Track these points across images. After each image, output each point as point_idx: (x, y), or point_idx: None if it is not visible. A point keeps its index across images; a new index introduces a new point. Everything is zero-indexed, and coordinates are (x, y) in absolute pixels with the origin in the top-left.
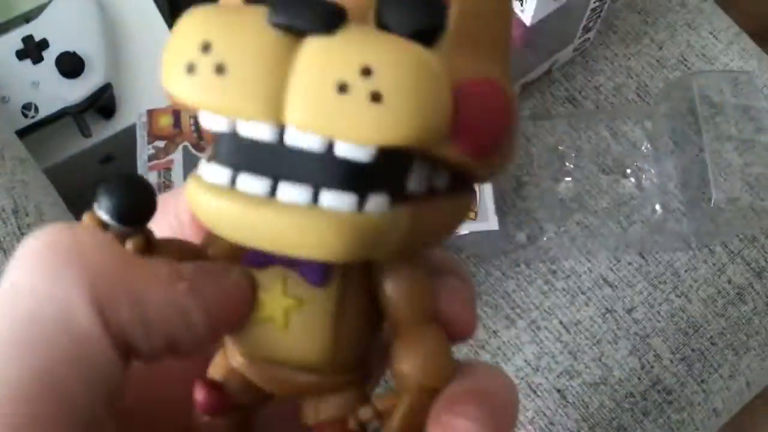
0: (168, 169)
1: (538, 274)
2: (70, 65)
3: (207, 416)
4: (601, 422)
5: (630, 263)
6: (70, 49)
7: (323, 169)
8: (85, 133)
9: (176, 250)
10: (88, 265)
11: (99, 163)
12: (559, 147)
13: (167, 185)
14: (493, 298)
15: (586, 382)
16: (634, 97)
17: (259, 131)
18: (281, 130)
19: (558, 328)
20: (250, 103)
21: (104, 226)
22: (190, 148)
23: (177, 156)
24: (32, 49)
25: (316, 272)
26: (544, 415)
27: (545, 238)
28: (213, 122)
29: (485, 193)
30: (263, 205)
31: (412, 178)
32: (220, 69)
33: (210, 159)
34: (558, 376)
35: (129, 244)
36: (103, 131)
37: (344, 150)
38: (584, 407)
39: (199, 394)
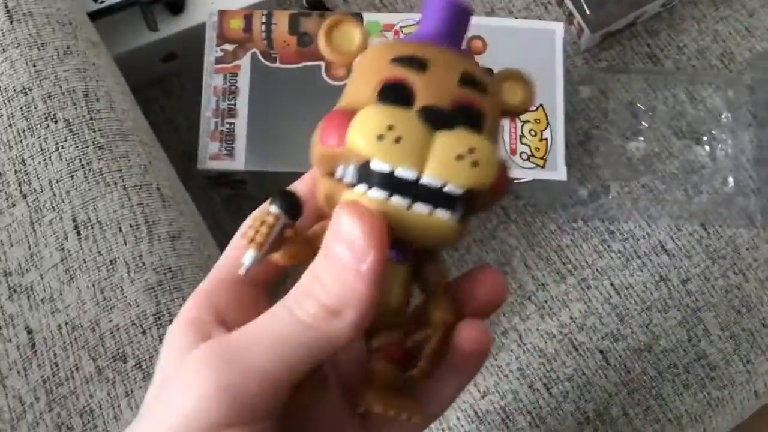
0: (234, 74)
1: (595, 232)
2: None
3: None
4: (640, 389)
5: (691, 233)
6: None
7: (438, 197)
8: (152, 26)
9: (304, 244)
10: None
11: (161, 61)
12: (634, 104)
13: (232, 90)
14: (546, 251)
15: (631, 347)
16: (717, 63)
17: (408, 174)
18: (419, 175)
19: (608, 290)
20: (412, 161)
21: (276, 217)
22: (259, 55)
23: (245, 62)
24: None
25: (399, 257)
26: (583, 373)
27: (609, 197)
28: (380, 166)
29: (557, 142)
30: (404, 211)
31: (458, 206)
32: (398, 140)
33: (369, 183)
34: (602, 338)
35: (289, 232)
36: (170, 27)
37: (450, 189)
38: (625, 372)
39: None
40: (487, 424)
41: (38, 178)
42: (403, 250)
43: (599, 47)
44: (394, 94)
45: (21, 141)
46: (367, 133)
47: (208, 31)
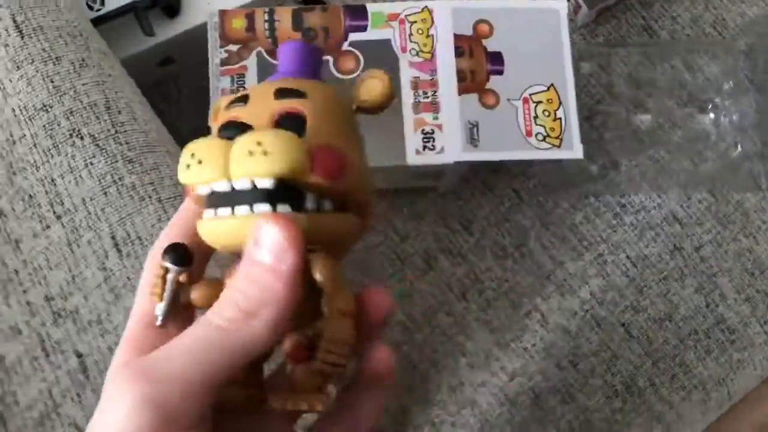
0: (241, 75)
1: (607, 207)
2: None
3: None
4: (664, 358)
5: (700, 201)
6: None
7: (253, 195)
8: (148, 31)
9: (213, 284)
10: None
11: (157, 65)
12: (634, 77)
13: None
14: (561, 229)
15: (651, 317)
16: (710, 30)
17: (222, 186)
18: (230, 183)
19: (625, 263)
20: (216, 174)
21: (166, 270)
22: (265, 54)
23: (251, 62)
24: None
25: None
26: (608, 348)
27: (618, 171)
28: (202, 190)
29: (571, 120)
30: (229, 218)
31: (308, 201)
32: (200, 162)
33: (206, 208)
34: (623, 311)
35: (183, 278)
36: (166, 31)
37: (261, 183)
38: (648, 342)
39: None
40: (518, 406)
41: (71, 197)
42: None
43: (595, 22)
44: (227, 131)
45: (48, 160)
46: (180, 168)
47: (210, 33)
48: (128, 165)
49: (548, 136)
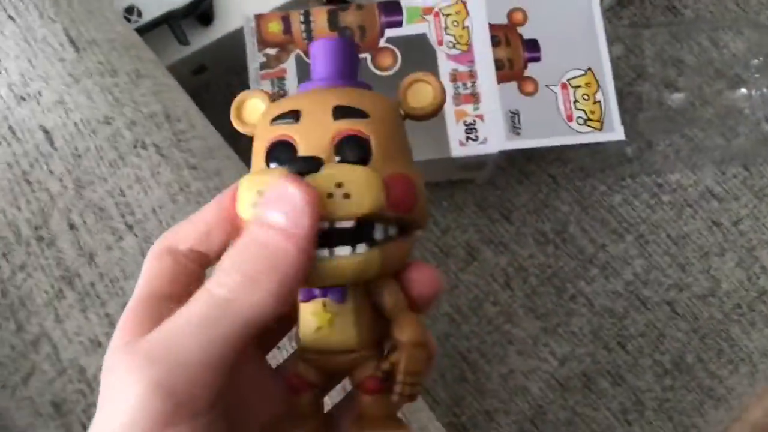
0: (282, 78)
1: (644, 188)
2: None
3: (295, 395)
4: (710, 333)
5: (735, 176)
6: None
7: (333, 236)
8: (182, 40)
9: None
10: None
11: (192, 74)
12: (661, 56)
13: (281, 95)
14: (600, 212)
15: (695, 294)
16: (732, 7)
17: None
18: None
19: (666, 242)
20: None
21: None
22: (303, 56)
23: (290, 65)
24: None
25: (338, 296)
26: (655, 327)
27: (653, 151)
28: None
29: (610, 102)
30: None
31: (376, 232)
32: None
33: None
34: (667, 289)
35: None
36: (200, 39)
37: (340, 224)
38: (694, 319)
39: (290, 381)
40: (570, 391)
41: (141, 207)
42: (337, 289)
43: (620, 5)
44: (278, 152)
45: (115, 172)
46: (243, 204)
47: (248, 38)
48: (193, 172)
49: (589, 119)
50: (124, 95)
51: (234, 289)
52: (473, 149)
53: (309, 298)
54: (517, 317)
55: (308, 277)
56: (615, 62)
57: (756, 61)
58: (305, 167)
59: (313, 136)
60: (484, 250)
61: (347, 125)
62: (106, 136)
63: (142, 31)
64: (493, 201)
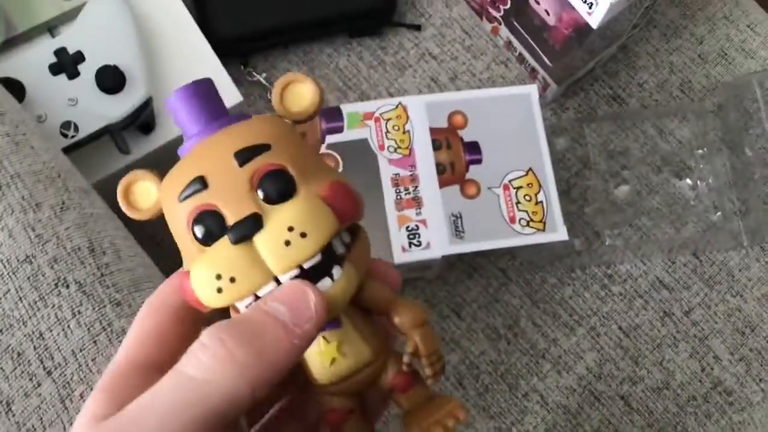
0: None
1: (594, 279)
2: (112, 80)
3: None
4: (665, 427)
5: (685, 264)
6: (109, 62)
7: (306, 278)
8: (124, 150)
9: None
10: None
11: None
12: (608, 147)
13: None
14: (551, 305)
15: (649, 387)
16: (677, 94)
17: (268, 288)
18: (276, 280)
19: (617, 334)
20: (258, 283)
21: None
22: None
23: None
24: (68, 63)
25: (333, 324)
26: (609, 423)
27: (601, 242)
28: (243, 303)
29: (552, 203)
30: None
31: (337, 248)
32: (233, 280)
33: None
34: (621, 383)
35: None
36: (143, 147)
37: (308, 264)
38: (648, 413)
39: (330, 419)
40: None
41: (60, 351)
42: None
43: (564, 96)
44: (204, 225)
45: (35, 314)
46: (208, 295)
47: None
48: (116, 308)
49: (532, 220)
50: (48, 231)
51: (209, 368)
52: (416, 255)
53: None
54: (471, 417)
55: None
56: (561, 154)
57: (700, 151)
58: (246, 230)
59: (230, 193)
60: None
61: (257, 165)
62: (26, 276)
63: (81, 144)
64: (443, 297)
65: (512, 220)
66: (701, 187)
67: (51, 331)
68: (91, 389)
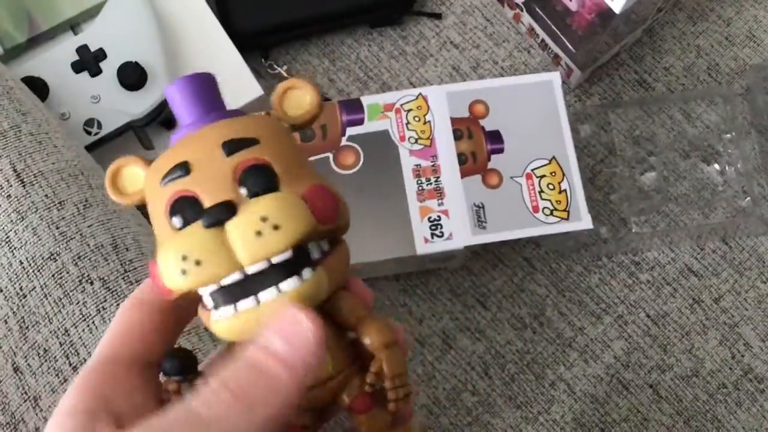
0: None
1: (621, 267)
2: (134, 76)
3: None
4: (695, 415)
5: (714, 251)
6: (131, 59)
7: (274, 274)
8: (147, 145)
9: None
10: None
11: None
12: (634, 133)
13: None
14: (577, 294)
15: (678, 375)
16: (705, 77)
17: (233, 278)
18: (243, 271)
19: (645, 322)
20: (224, 270)
21: (176, 384)
22: None
23: None
24: (89, 61)
25: None
26: (638, 411)
27: (628, 230)
28: (204, 290)
29: (576, 191)
30: (257, 308)
31: (312, 252)
32: (198, 263)
33: (216, 306)
34: (649, 371)
35: (192, 377)
36: (166, 142)
37: (278, 259)
38: (677, 401)
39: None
40: None
41: (85, 346)
42: None
43: (589, 82)
44: (181, 209)
45: (60, 310)
46: (171, 275)
47: None
48: None
49: (555, 209)
50: (71, 228)
51: (221, 411)
52: (438, 246)
53: None
54: (497, 407)
55: (246, 330)
56: (586, 140)
57: (728, 135)
58: (220, 215)
59: (211, 182)
60: (460, 338)
61: (242, 157)
62: (51, 273)
63: (104, 141)
64: (468, 287)
65: (535, 209)
66: (730, 172)
67: (76, 327)
68: None
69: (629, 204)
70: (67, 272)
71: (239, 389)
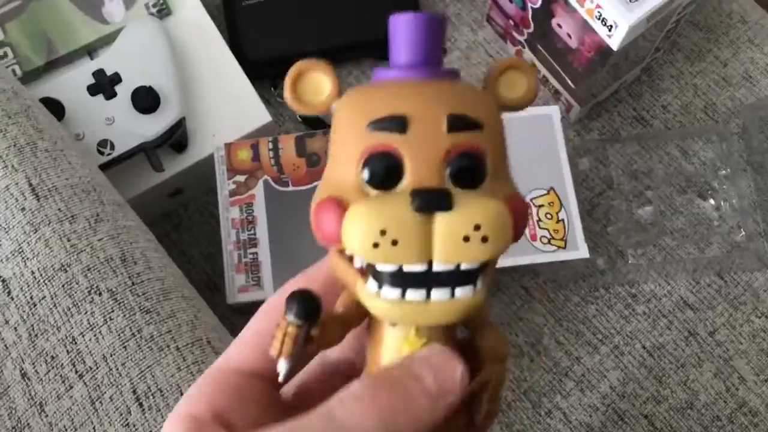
0: (250, 204)
1: (618, 298)
2: (147, 100)
3: None
4: None
5: (709, 285)
6: (145, 83)
7: (455, 277)
8: (157, 167)
9: (334, 325)
10: None
11: (168, 196)
12: (632, 168)
13: (250, 221)
14: (574, 324)
15: (673, 407)
16: (701, 116)
17: (417, 268)
18: (429, 263)
19: (641, 353)
20: (415, 259)
21: (296, 327)
22: (271, 182)
23: (258, 190)
24: (105, 84)
25: None
26: None
27: (625, 262)
28: (385, 267)
29: (573, 221)
30: (423, 303)
31: (479, 276)
32: (395, 243)
33: (379, 281)
34: (644, 402)
35: (314, 331)
36: (175, 165)
37: (466, 266)
38: None
39: None
40: None
41: (91, 355)
42: None
43: (588, 117)
44: (379, 168)
45: (69, 319)
46: (361, 241)
47: (218, 166)
48: (146, 316)
49: (553, 238)
50: (82, 241)
51: (357, 417)
52: None
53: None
54: None
55: (402, 319)
56: (585, 174)
57: (724, 172)
58: (438, 205)
59: (424, 154)
60: None
61: (463, 139)
62: (61, 284)
63: (117, 161)
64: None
65: (533, 237)
66: (725, 207)
67: (83, 336)
68: (121, 393)
69: (626, 236)
70: (77, 283)
71: (383, 404)
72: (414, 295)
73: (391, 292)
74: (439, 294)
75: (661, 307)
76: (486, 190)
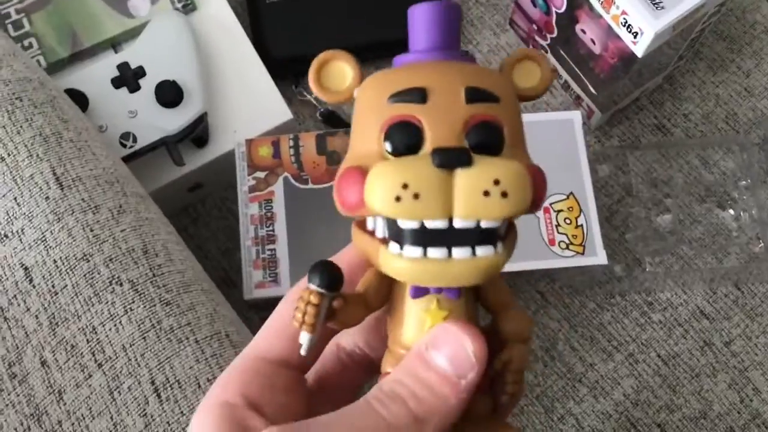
0: (269, 201)
1: (634, 305)
2: (170, 94)
3: None
4: None
5: (726, 295)
6: (168, 77)
7: (476, 236)
8: (178, 162)
9: (354, 304)
10: None
11: (188, 191)
12: (651, 175)
13: (269, 217)
14: (589, 330)
15: (687, 416)
16: (723, 126)
17: (438, 224)
18: (450, 221)
19: (656, 362)
20: (437, 213)
21: (318, 296)
22: (291, 179)
23: (278, 187)
24: (129, 77)
25: (455, 293)
26: None
27: (642, 270)
28: (406, 224)
29: (592, 227)
30: (445, 261)
31: (500, 225)
32: (416, 196)
33: (401, 241)
34: (658, 411)
35: (336, 303)
36: (196, 160)
37: (486, 224)
38: None
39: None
40: None
41: (111, 345)
42: (455, 288)
43: (609, 124)
44: (401, 136)
45: (89, 309)
46: (384, 196)
47: (238, 162)
48: (166, 308)
49: (571, 243)
50: (105, 232)
51: (400, 420)
52: None
53: (421, 294)
54: None
55: (424, 278)
56: (604, 180)
57: (744, 182)
58: (458, 160)
59: (444, 121)
60: None
61: (481, 110)
62: (83, 273)
63: (139, 154)
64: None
65: (552, 242)
66: (744, 218)
67: (103, 326)
68: (139, 383)
69: (644, 244)
70: (98, 273)
71: (414, 405)
72: (436, 253)
73: (413, 251)
74: (460, 252)
75: (677, 316)
76: (505, 157)
